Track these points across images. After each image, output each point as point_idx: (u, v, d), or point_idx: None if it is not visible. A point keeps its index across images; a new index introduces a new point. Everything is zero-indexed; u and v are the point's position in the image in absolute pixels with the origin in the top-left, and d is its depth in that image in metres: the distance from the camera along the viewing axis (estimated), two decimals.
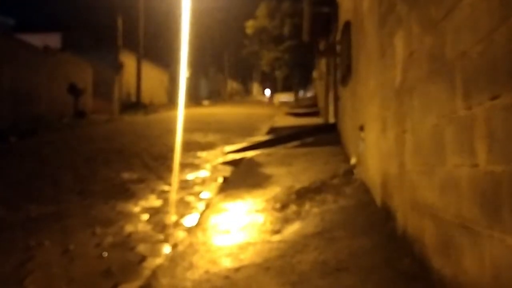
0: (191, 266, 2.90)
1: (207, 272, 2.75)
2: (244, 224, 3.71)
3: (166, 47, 30.61)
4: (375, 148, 3.61)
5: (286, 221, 3.54)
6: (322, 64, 13.64)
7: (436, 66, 2.00)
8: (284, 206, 3.99)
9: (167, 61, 31.28)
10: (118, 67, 23.12)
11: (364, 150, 4.35)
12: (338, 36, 7.31)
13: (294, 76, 37.19)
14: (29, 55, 15.31)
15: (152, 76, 28.81)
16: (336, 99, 8.56)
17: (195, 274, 2.75)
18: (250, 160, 6.99)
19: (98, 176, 6.59)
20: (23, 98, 14.72)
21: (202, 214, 4.37)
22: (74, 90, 17.28)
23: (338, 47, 7.65)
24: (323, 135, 8.33)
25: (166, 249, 3.62)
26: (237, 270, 2.71)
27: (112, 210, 4.77)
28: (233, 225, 3.72)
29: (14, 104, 14.19)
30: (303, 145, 7.72)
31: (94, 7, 25.32)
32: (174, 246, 3.62)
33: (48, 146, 10.04)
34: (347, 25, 5.72)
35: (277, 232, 3.31)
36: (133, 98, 25.04)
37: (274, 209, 3.98)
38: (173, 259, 3.17)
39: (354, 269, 2.52)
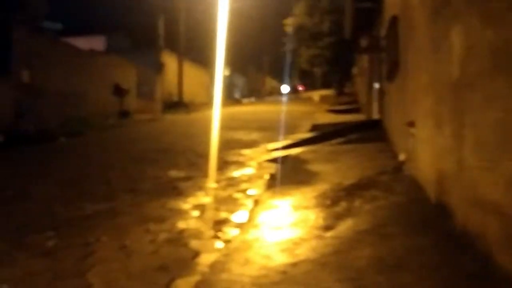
0: (247, 262, 2.96)
1: (263, 267, 2.80)
2: (295, 220, 3.73)
3: (206, 46, 30.97)
4: (429, 144, 3.55)
5: (338, 217, 3.54)
6: (364, 60, 13.46)
7: (500, 60, 1.95)
8: (334, 203, 3.99)
9: (207, 60, 31.64)
10: (160, 67, 23.56)
11: (414, 146, 4.28)
12: (383, 32, 7.21)
13: (334, 72, 36.82)
14: (76, 58, 15.88)
15: (192, 76, 29.24)
16: (381, 95, 8.44)
17: (251, 269, 2.80)
18: (295, 158, 7.01)
19: (147, 174, 6.76)
20: (71, 99, 15.29)
21: (252, 210, 4.42)
22: (119, 91, 17.79)
23: (383, 43, 7.53)
24: (367, 132, 8.23)
25: (219, 244, 3.69)
26: (293, 265, 2.74)
27: (163, 208, 4.89)
28: (284, 221, 3.75)
29: (63, 105, 14.76)
30: (347, 142, 7.66)
31: (135, 9, 25.92)
32: (227, 242, 3.68)
33: (96, 145, 10.39)
34: (394, 20, 5.63)
35: (329, 228, 3.31)
36: (175, 98, 25.49)
37: (324, 205, 3.98)
38: (228, 255, 3.24)
39: (412, 267, 2.50)
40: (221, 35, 20.95)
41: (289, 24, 26.91)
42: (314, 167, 5.95)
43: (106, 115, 16.90)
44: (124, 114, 18.06)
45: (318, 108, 24.85)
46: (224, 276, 2.79)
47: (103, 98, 17.39)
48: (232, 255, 3.21)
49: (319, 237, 3.19)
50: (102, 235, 3.98)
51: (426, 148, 3.68)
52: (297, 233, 3.38)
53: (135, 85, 21.10)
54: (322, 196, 4.30)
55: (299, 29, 27.21)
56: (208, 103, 29.45)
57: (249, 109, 26.11)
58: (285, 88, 46.59)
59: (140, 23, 25.54)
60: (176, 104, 24.27)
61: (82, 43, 19.20)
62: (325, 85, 61.89)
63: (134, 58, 21.46)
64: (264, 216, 4.07)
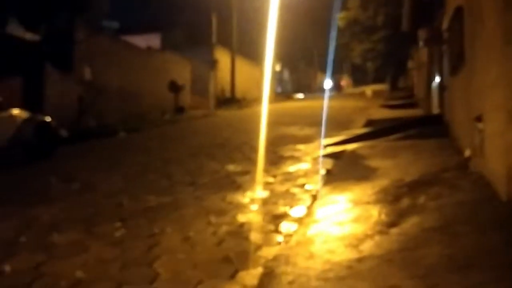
0: (311, 256, 2.97)
1: (328, 261, 2.80)
2: (357, 215, 3.70)
3: (257, 42, 31.09)
4: (499, 139, 3.41)
5: (401, 214, 3.47)
6: (422, 53, 13.03)
7: None
8: (396, 199, 3.91)
9: (258, 56, 31.77)
10: (213, 64, 23.94)
11: (482, 141, 4.12)
12: (446, 24, 6.95)
13: (387, 67, 35.92)
14: (134, 56, 16.42)
15: (244, 71, 29.46)
16: (442, 89, 8.15)
17: (316, 263, 2.81)
18: (352, 153, 6.93)
19: (205, 168, 6.91)
20: (129, 96, 15.84)
21: (311, 205, 4.42)
22: (175, 87, 18.24)
23: (445, 35, 7.27)
24: (426, 127, 7.99)
25: (279, 238, 3.72)
26: (359, 260, 2.72)
27: (223, 201, 4.98)
28: (345, 217, 3.73)
29: (121, 101, 15.32)
30: (406, 137, 7.47)
31: (189, 7, 26.38)
32: (288, 236, 3.71)
33: (155, 140, 10.71)
34: (458, 11, 5.43)
35: (394, 225, 3.26)
36: (227, 93, 25.79)
37: (386, 201, 3.91)
38: (290, 248, 3.26)
39: (485, 266, 2.42)
40: (272, 30, 20.99)
41: (343, 18, 26.46)
42: (373, 162, 5.86)
43: (162, 111, 17.38)
44: (180, 110, 18.51)
45: (371, 103, 24.35)
46: (289, 269, 2.82)
47: (159, 94, 17.90)
48: (295, 248, 3.24)
49: (383, 233, 3.15)
50: (167, 227, 4.11)
51: (496, 143, 3.53)
52: (360, 228, 3.35)
53: (190, 81, 21.54)
54: (383, 192, 4.23)
55: (352, 23, 26.69)
56: (259, 99, 29.62)
57: (300, 104, 26.01)
58: (327, 84, 38.51)
59: (194, 20, 26.00)
60: (229, 100, 24.57)
61: (138, 41, 19.79)
62: (377, 80, 60.56)
63: (188, 55, 21.88)
64: (324, 211, 4.06)
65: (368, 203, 3.97)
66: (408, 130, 7.89)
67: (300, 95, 38.11)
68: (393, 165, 5.44)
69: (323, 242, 3.22)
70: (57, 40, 11.72)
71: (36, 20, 9.78)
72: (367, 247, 2.94)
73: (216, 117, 17.91)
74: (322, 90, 47.19)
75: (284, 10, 24.83)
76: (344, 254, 2.88)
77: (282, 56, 35.29)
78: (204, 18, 25.51)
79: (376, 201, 3.98)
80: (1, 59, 10.15)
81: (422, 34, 10.81)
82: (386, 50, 28.47)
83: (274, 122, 14.46)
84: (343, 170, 5.74)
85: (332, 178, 5.40)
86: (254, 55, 31.87)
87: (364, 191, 4.42)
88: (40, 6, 9.93)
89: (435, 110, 9.36)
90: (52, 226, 4.18)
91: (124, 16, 27.87)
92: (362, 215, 3.66)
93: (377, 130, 8.66)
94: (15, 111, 7.88)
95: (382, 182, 4.62)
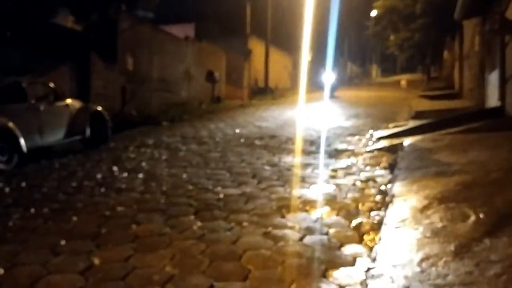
0: (404, 256, 2.84)
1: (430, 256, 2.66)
2: (451, 215, 3.53)
3: (289, 32, 30.77)
4: None
5: (503, 213, 3.29)
6: (474, 42, 12.55)
7: None
8: (488, 197, 3.73)
9: (290, 46, 31.47)
10: (247, 54, 23.80)
11: None
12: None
13: (422, 56, 35.09)
14: (173, 46, 16.42)
15: (277, 61, 29.22)
16: (504, 81, 7.83)
17: (411, 269, 2.67)
18: (414, 146, 6.72)
19: (263, 160, 6.82)
20: (169, 85, 15.87)
21: (390, 202, 4.27)
22: (212, 77, 18.20)
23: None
24: (487, 120, 7.69)
25: (363, 236, 3.60)
26: (476, 265, 2.57)
27: (290, 194, 4.90)
28: (438, 216, 3.55)
29: (162, 91, 15.37)
30: (468, 131, 7.20)
31: None
32: (371, 233, 3.61)
33: (201, 130, 10.67)
34: None
35: (499, 226, 3.09)
36: (260, 84, 25.63)
37: (478, 199, 3.73)
38: (381, 248, 3.13)
39: None
40: (307, 21, 20.72)
41: (380, 6, 25.88)
42: (442, 157, 5.65)
43: (199, 100, 17.39)
44: (216, 100, 18.49)
45: (407, 93, 23.89)
46: (384, 271, 2.69)
47: (197, 84, 17.90)
48: (385, 248, 3.10)
49: (491, 235, 2.98)
50: (243, 220, 4.04)
51: None
52: (462, 229, 3.19)
53: (225, 71, 21.49)
54: (469, 189, 4.05)
55: (389, 11, 26.08)
56: (291, 89, 29.35)
57: (336, 94, 25.64)
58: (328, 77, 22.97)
59: (228, 11, 25.84)
60: (262, 90, 24.41)
61: (173, 31, 19.75)
62: (407, 70, 59.37)
63: (222, 45, 21.78)
64: (408, 208, 3.90)
65: (458, 201, 3.79)
66: (468, 123, 7.61)
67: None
68: (468, 160, 5.23)
69: (419, 244, 3.07)
70: (102, 30, 11.78)
71: (87, 10, 9.83)
72: (483, 254, 2.77)
73: (252, 107, 17.81)
74: (355, 80, 46.53)
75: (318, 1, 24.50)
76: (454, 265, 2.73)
77: (314, 46, 34.81)
78: (238, 8, 25.35)
79: (466, 199, 3.80)
80: (50, 49, 10.25)
81: (475, 22, 10.37)
82: (422, 40, 27.74)
83: (316, 112, 14.31)
84: (412, 165, 5.55)
85: (403, 173, 5.21)
86: (286, 45, 31.58)
87: (446, 187, 4.24)
88: None
89: (492, 102, 9.01)
90: (129, 218, 4.15)
91: (159, 6, 27.94)
92: (456, 214, 3.50)
93: (433, 123, 8.40)
94: (70, 101, 7.94)
95: (463, 178, 4.43)
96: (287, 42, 31.50)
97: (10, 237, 3.76)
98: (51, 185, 5.53)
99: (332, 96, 21.59)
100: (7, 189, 5.30)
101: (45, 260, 3.24)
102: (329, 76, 21.90)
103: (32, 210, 4.43)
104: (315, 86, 26.47)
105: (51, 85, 7.70)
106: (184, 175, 5.86)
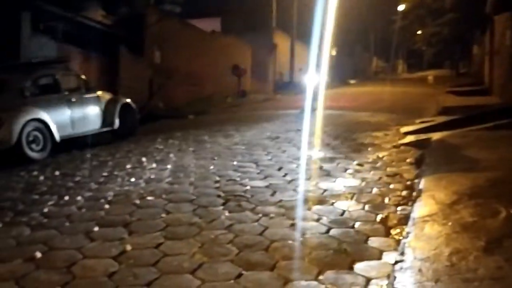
0: (432, 250, 2.84)
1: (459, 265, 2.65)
2: (480, 210, 3.50)
3: (314, 26, 30.56)
4: None
5: None
6: (505, 37, 12.25)
7: None
8: None
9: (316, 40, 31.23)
10: (272, 48, 23.82)
11: None
12: None
13: (449, 51, 34.46)
14: (200, 40, 16.56)
15: (301, 55, 29.11)
16: None
17: (439, 266, 2.67)
18: (441, 142, 6.65)
19: (287, 153, 6.86)
20: (195, 79, 16.02)
21: (416, 197, 4.25)
22: (237, 71, 18.30)
23: None
24: None
25: (390, 230, 3.60)
26: (506, 260, 2.56)
27: (317, 188, 4.91)
28: (467, 212, 3.53)
29: (188, 84, 15.54)
30: (497, 127, 7.07)
31: None
32: (396, 226, 3.61)
33: (227, 123, 10.76)
34: None
35: None
36: (285, 78, 25.63)
37: (509, 195, 3.69)
38: (411, 237, 3.13)
39: None
40: (330, 15, 20.47)
41: (407, 0, 25.51)
42: (471, 153, 5.58)
43: (225, 94, 17.51)
44: (242, 93, 18.59)
45: (434, 89, 23.47)
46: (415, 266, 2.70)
47: (222, 78, 18.02)
48: (412, 241, 3.10)
49: None
50: (270, 212, 4.09)
51: None
52: (493, 224, 3.16)
53: (250, 65, 21.56)
54: (499, 186, 4.00)
55: (417, 5, 25.71)
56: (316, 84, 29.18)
57: (361, 90, 25.42)
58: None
59: (253, 5, 25.87)
60: (287, 84, 24.41)
61: (199, 25, 19.89)
62: (433, 65, 58.29)
63: (247, 40, 21.85)
64: (436, 203, 3.88)
65: (487, 197, 3.75)
66: (497, 120, 7.47)
67: (355, 80, 37.25)
68: (498, 157, 5.15)
69: (448, 238, 3.06)
70: (130, 24, 11.99)
71: (116, 5, 10.02)
72: None
73: (278, 102, 17.81)
74: (381, 75, 45.92)
75: None
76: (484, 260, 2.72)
77: (338, 40, 34.50)
78: (263, 2, 25.34)
79: (496, 195, 3.76)
80: (81, 42, 10.49)
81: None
82: (451, 35, 27.25)
83: (340, 107, 14.23)
84: (439, 160, 5.49)
85: (431, 168, 5.17)
86: (309, 39, 31.38)
87: (475, 183, 4.20)
88: None
89: None
90: (159, 207, 4.26)
91: (186, 1, 28.15)
92: (486, 209, 3.47)
93: (461, 119, 8.27)
94: (101, 93, 8.13)
95: (493, 175, 4.38)
96: (311, 36, 31.30)
97: (46, 223, 3.93)
98: (83, 174, 5.71)
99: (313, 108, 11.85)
100: (42, 177, 5.50)
101: (80, 245, 3.37)
102: (311, 78, 12.76)
103: (66, 198, 4.60)
104: (336, 80, 26.30)
105: (83, 77, 7.89)
106: (212, 167, 5.96)
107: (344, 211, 4.14)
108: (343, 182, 5.14)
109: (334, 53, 39.32)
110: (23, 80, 6.88)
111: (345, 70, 42.80)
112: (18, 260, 3.16)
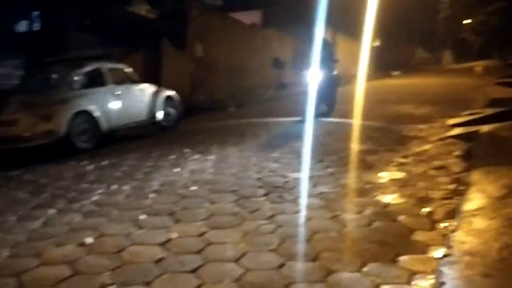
0: (488, 238, 2.76)
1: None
2: None
3: (357, 18, 30.04)
4: None
5: None
6: None
7: None
8: None
9: (357, 31, 30.72)
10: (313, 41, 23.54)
11: None
12: None
13: (498, 41, 33.08)
14: (241, 33, 16.62)
15: (344, 48, 28.69)
16: None
17: (484, 262, 2.59)
18: (490, 135, 6.41)
19: (330, 146, 6.82)
20: (236, 72, 16.12)
21: (466, 188, 4.13)
22: (278, 64, 18.26)
23: None
24: None
25: (435, 224, 3.52)
26: None
27: (359, 180, 4.86)
28: None
29: (229, 78, 15.64)
30: None
31: None
32: (442, 220, 3.53)
33: (267, 115, 10.78)
34: None
35: None
36: None
37: None
38: (458, 231, 3.06)
39: None
40: (372, 5, 20.09)
41: None
42: None
43: (265, 87, 17.52)
44: (282, 86, 18.55)
45: (482, 80, 22.61)
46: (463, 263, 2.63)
47: (263, 71, 18.04)
48: (459, 236, 3.03)
49: None
50: (311, 203, 4.09)
51: None
52: None
53: (290, 58, 21.45)
54: None
55: None
56: (358, 76, 28.73)
57: (405, 81, 24.86)
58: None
59: None
60: None
61: (240, 18, 19.95)
62: (481, 56, 56.00)
63: (287, 32, 21.71)
64: (485, 197, 3.76)
65: None
66: None
67: (399, 72, 36.37)
68: None
69: (497, 232, 2.98)
70: (173, 19, 12.18)
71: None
72: None
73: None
74: (425, 66, 44.61)
75: None
76: None
77: (382, 32, 33.73)
78: None
79: None
80: (125, 35, 10.76)
81: None
82: (500, 24, 26.13)
83: (384, 100, 13.96)
84: (488, 153, 5.31)
85: (479, 161, 5.01)
86: (353, 31, 30.87)
87: None
88: None
89: None
90: (203, 197, 4.34)
91: None
92: None
93: (510, 111, 7.93)
94: (145, 85, 8.33)
95: None
96: (355, 27, 30.79)
97: (96, 211, 4.09)
98: (129, 164, 5.89)
99: (319, 114, 9.66)
100: (90, 167, 5.72)
101: (128, 232, 3.50)
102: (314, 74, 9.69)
103: (114, 187, 4.76)
104: (379, 72, 25.75)
105: (128, 70, 8.11)
106: (253, 158, 6.00)
107: (387, 204, 4.08)
108: (387, 175, 5.06)
109: (377, 43, 38.55)
110: (71, 74, 7.16)
111: (388, 61, 41.90)
112: (70, 245, 3.32)
